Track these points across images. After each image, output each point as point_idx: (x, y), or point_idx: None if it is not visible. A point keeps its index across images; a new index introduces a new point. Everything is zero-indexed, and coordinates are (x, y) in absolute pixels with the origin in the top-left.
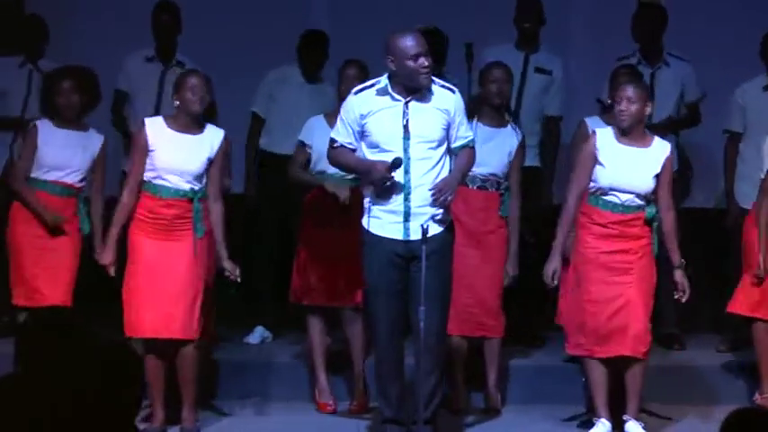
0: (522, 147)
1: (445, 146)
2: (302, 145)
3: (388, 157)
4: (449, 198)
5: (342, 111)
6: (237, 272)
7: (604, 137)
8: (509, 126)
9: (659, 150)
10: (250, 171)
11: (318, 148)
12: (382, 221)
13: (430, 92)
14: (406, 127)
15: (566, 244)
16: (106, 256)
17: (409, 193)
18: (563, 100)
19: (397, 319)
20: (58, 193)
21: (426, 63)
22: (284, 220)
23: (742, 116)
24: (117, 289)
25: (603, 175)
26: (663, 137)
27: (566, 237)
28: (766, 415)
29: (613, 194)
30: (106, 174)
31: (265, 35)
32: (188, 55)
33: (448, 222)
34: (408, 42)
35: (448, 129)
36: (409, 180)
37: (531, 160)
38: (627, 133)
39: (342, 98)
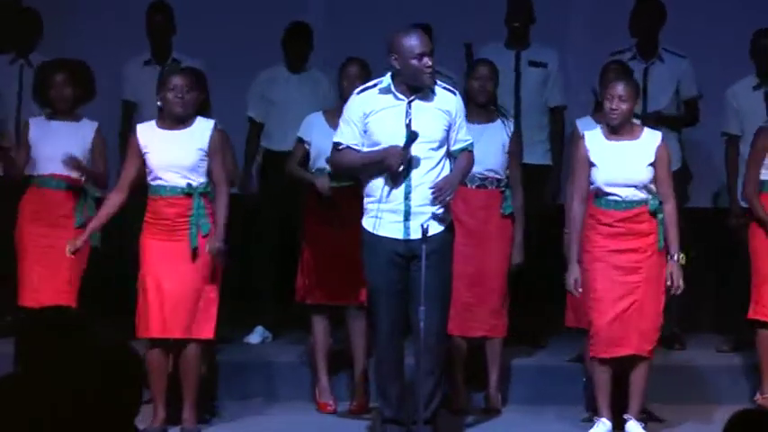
0: (516, 138)
1: (446, 147)
2: (301, 141)
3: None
4: (448, 197)
5: (345, 112)
6: (215, 251)
7: (593, 138)
8: (498, 120)
9: (649, 140)
10: (248, 173)
11: (317, 145)
12: (382, 221)
13: (432, 92)
14: (408, 126)
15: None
16: (71, 243)
17: (410, 193)
18: (563, 90)
19: (397, 318)
20: (55, 187)
21: (430, 63)
22: (285, 218)
23: (737, 118)
24: (119, 290)
25: (598, 175)
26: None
27: (579, 244)
28: None
29: (614, 192)
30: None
31: (264, 35)
32: (187, 53)
33: (448, 222)
34: (413, 41)
35: (449, 130)
36: (410, 179)
37: (541, 157)
38: (616, 130)
39: (343, 96)
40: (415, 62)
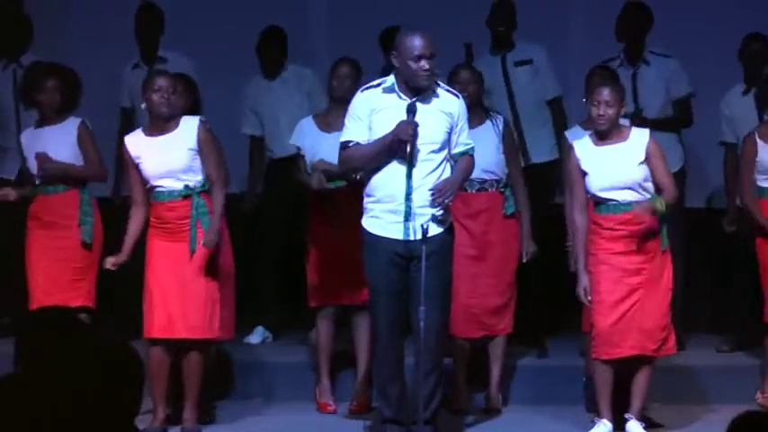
0: (509, 134)
1: (447, 150)
2: (297, 149)
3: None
4: (448, 199)
5: (350, 110)
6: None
7: (582, 146)
8: (487, 121)
9: (638, 139)
10: (252, 187)
11: (310, 150)
12: (382, 221)
13: (435, 94)
14: (409, 107)
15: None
16: (118, 258)
17: (410, 194)
18: (556, 81)
19: (396, 319)
20: (53, 192)
21: (427, 66)
22: (288, 220)
23: (731, 126)
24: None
25: (593, 182)
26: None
27: (584, 253)
28: None
29: (611, 197)
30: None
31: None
32: (177, 50)
33: (448, 223)
34: (414, 42)
35: (450, 133)
36: (411, 180)
37: (548, 154)
38: (605, 135)
39: (333, 96)
40: (412, 63)
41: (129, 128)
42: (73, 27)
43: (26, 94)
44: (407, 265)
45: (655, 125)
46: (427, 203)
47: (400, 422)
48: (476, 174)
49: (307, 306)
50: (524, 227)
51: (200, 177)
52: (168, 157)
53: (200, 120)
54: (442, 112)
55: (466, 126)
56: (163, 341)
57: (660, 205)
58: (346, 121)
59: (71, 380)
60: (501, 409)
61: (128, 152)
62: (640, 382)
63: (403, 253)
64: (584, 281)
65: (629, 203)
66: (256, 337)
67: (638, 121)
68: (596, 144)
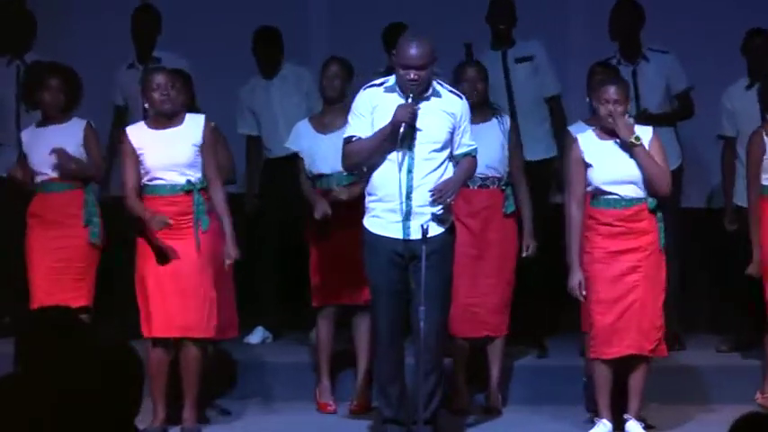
0: (514, 133)
1: (449, 150)
2: (296, 153)
3: (391, 156)
4: (449, 199)
5: (353, 107)
6: (233, 256)
7: (586, 139)
8: (493, 119)
9: (643, 135)
10: (250, 188)
11: (308, 152)
12: (382, 221)
13: (438, 94)
14: (415, 126)
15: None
16: (155, 222)
17: (410, 193)
18: (556, 78)
19: (397, 319)
20: (57, 190)
21: (413, 76)
22: (288, 220)
23: (733, 120)
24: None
25: (596, 174)
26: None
27: (579, 247)
28: None
29: (612, 191)
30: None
31: None
32: (170, 50)
33: (449, 223)
34: (406, 51)
35: (453, 133)
36: (411, 180)
37: (545, 152)
38: (610, 131)
39: (324, 96)
40: (401, 70)
41: (121, 126)
42: (73, 27)
43: (28, 93)
44: (408, 265)
45: (659, 121)
46: (428, 203)
47: (400, 422)
48: (479, 170)
49: (307, 306)
50: (526, 224)
51: (200, 175)
52: (173, 150)
53: (206, 118)
54: (445, 112)
55: (469, 127)
56: (162, 341)
57: (636, 140)
58: (349, 118)
59: (71, 380)
60: (501, 410)
61: (129, 143)
62: (637, 381)
63: (403, 252)
64: (577, 275)
65: (631, 200)
66: (256, 337)
67: (644, 119)
68: (600, 138)
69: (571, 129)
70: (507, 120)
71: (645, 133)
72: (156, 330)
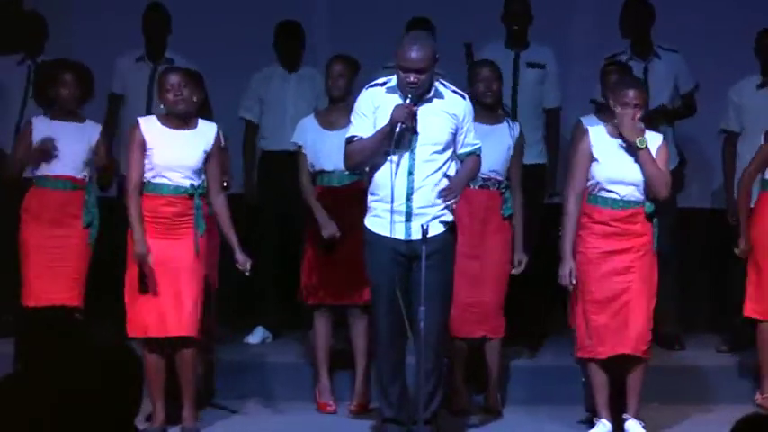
0: (521, 141)
1: (451, 150)
2: (299, 147)
3: (392, 157)
4: (455, 199)
5: (355, 107)
6: (248, 265)
7: (597, 133)
8: (504, 122)
9: (652, 141)
10: (249, 175)
11: (312, 147)
12: (384, 220)
13: (440, 95)
14: (413, 128)
15: (572, 245)
16: (140, 247)
17: (411, 194)
18: (559, 91)
19: (397, 319)
20: (61, 188)
21: (412, 80)
22: (287, 219)
23: (738, 115)
24: (118, 289)
25: (600, 170)
26: (657, 127)
27: (572, 238)
28: None
29: (613, 190)
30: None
31: (266, 35)
32: (182, 53)
33: (450, 223)
34: (406, 54)
35: (455, 134)
36: (413, 181)
37: (536, 157)
38: None
39: (329, 95)
40: (400, 72)
41: (115, 114)
42: (73, 27)
43: (42, 90)
44: (410, 265)
45: (668, 115)
46: (428, 204)
47: (400, 422)
48: (481, 171)
49: (305, 305)
50: (517, 238)
51: (202, 180)
52: (182, 152)
53: (218, 127)
54: (446, 113)
55: (472, 126)
56: (157, 341)
57: (641, 144)
58: (352, 117)
59: (71, 380)
60: (500, 410)
61: (141, 135)
62: (635, 381)
63: (405, 252)
64: (569, 263)
65: (628, 202)
66: (256, 337)
67: (662, 115)
68: (611, 135)
69: (583, 120)
70: (518, 127)
71: (655, 139)
72: (152, 330)
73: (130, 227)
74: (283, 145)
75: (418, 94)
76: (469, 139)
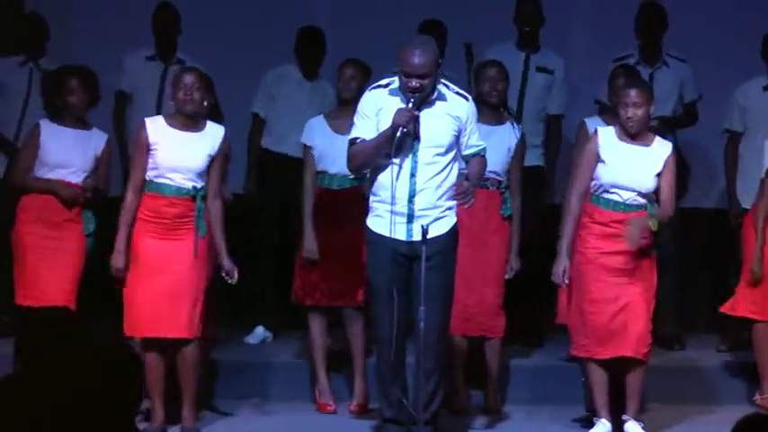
0: (522, 144)
1: (453, 152)
2: (307, 148)
3: (395, 159)
4: (470, 200)
5: (359, 108)
6: (235, 272)
7: (606, 135)
8: (507, 123)
9: (660, 149)
10: (251, 170)
11: (320, 148)
12: (386, 221)
13: (443, 97)
14: (415, 130)
15: (570, 244)
16: (118, 260)
17: (413, 196)
18: (565, 99)
19: (398, 319)
20: None
21: (414, 85)
22: (286, 219)
23: (742, 116)
24: (117, 289)
25: (605, 172)
26: (662, 136)
27: (571, 237)
28: None
29: (615, 192)
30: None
31: (267, 35)
32: (190, 53)
33: (452, 224)
34: (406, 59)
35: (458, 135)
36: (415, 183)
37: (536, 159)
38: (631, 134)
39: (340, 98)
40: (402, 76)
41: (123, 111)
42: (73, 27)
43: (50, 98)
44: (411, 266)
45: (668, 124)
46: (430, 206)
47: (400, 422)
48: None
49: (300, 305)
50: (513, 243)
51: (204, 182)
52: (187, 154)
53: (226, 131)
54: (449, 116)
55: (476, 127)
56: (156, 341)
57: (653, 226)
58: (355, 119)
59: (71, 380)
60: (500, 410)
61: (146, 136)
62: (634, 382)
63: (406, 253)
64: (564, 262)
65: (630, 205)
66: (256, 337)
67: (662, 124)
68: (620, 139)
69: (588, 122)
70: (520, 130)
71: (664, 147)
72: (148, 330)
73: (118, 230)
74: (284, 148)
75: (420, 98)
76: (474, 141)
